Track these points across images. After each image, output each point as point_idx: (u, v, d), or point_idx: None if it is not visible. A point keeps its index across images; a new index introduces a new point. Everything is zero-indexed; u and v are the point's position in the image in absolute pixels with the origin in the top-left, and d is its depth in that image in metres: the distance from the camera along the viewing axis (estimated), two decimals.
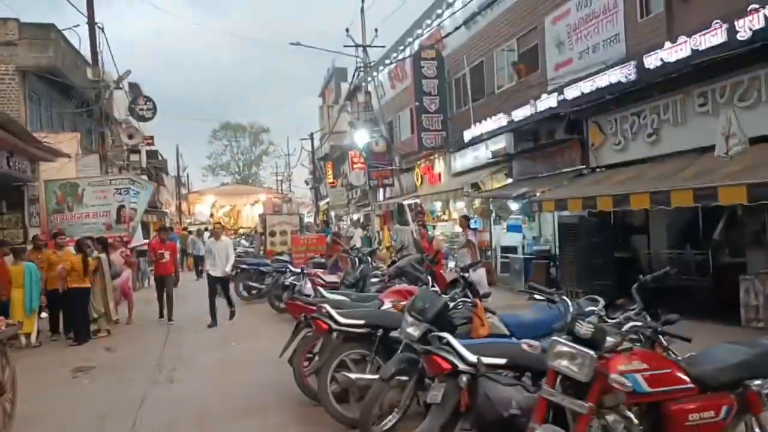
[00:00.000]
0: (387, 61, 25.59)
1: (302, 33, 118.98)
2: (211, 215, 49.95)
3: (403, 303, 5.04)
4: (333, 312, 5.00)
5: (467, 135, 19.23)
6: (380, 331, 4.94)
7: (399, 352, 4.51)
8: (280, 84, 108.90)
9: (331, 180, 34.93)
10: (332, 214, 36.76)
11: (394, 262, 9.09)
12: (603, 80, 12.64)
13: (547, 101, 14.73)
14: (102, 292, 10.82)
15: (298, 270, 11.17)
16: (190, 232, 25.78)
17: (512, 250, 16.08)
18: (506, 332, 4.50)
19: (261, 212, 22.94)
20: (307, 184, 48.97)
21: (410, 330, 4.27)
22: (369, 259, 9.43)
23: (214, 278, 11.69)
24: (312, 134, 41.72)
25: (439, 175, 21.41)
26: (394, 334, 4.85)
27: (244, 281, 13.88)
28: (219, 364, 8.38)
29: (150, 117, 26.02)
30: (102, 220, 16.47)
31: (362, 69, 23.26)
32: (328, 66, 54.24)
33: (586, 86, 13.19)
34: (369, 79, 24.00)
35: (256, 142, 77.39)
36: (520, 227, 16.26)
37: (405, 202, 21.24)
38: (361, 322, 4.98)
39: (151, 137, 28.86)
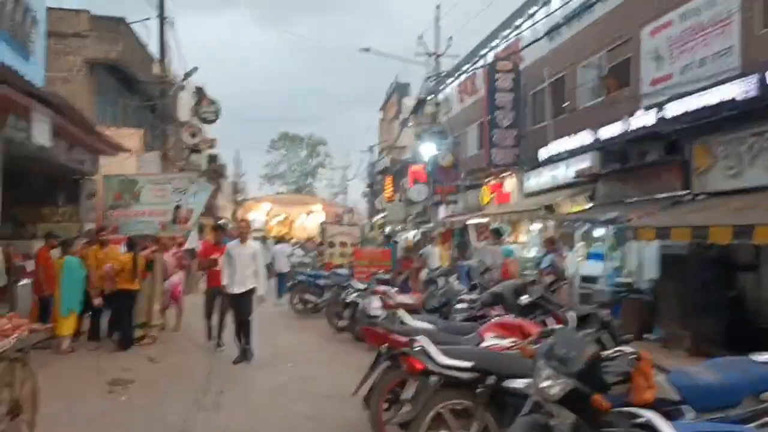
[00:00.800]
0: (458, 73, 24.47)
1: (368, 42, 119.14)
2: (266, 223, 49.73)
3: (528, 345, 3.83)
4: (432, 349, 3.82)
5: (543, 153, 17.88)
6: (492, 379, 3.75)
7: (525, 412, 3.32)
8: (339, 97, 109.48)
9: (390, 194, 33.89)
10: (387, 229, 35.76)
11: (474, 286, 7.89)
12: (714, 96, 11.21)
13: (643, 119, 13.32)
14: (150, 294, 9.98)
15: (363, 286, 10.04)
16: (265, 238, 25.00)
17: (592, 280, 14.58)
18: (676, 398, 3.26)
19: (322, 220, 21.84)
20: (365, 196, 48.16)
21: (547, 385, 3.09)
22: (454, 280, 8.17)
23: (232, 296, 8.84)
24: (371, 147, 40.88)
25: (510, 194, 20.08)
26: (510, 384, 3.68)
27: (300, 294, 12.89)
28: (273, 389, 7.33)
29: (213, 119, 25.80)
30: (158, 219, 15.87)
31: (433, 79, 22.20)
32: (391, 81, 54.25)
33: (693, 103, 11.77)
34: (439, 89, 22.93)
35: (312, 154, 77.82)
36: (603, 256, 14.76)
37: (469, 222, 19.97)
38: (469, 364, 3.78)
39: (213, 140, 28.50)
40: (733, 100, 10.75)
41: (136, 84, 19.48)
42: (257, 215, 54.92)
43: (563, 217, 14.86)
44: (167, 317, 11.31)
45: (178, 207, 16.16)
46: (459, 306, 6.79)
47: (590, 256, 15.09)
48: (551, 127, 18.02)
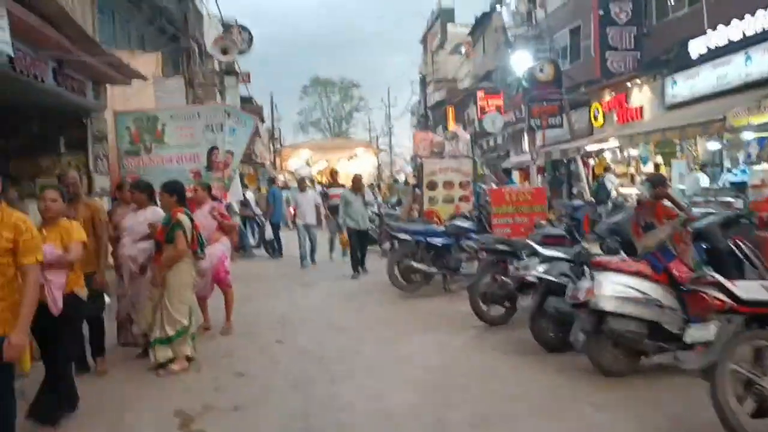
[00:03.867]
0: None
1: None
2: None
3: None
4: None
5: (697, 47, 13.15)
6: None
7: None
8: (368, 45, 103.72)
9: (453, 128, 29.22)
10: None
11: None
12: None
13: None
14: (176, 284, 5.69)
15: (557, 253, 5.46)
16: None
17: None
18: None
19: (413, 155, 16.67)
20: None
21: None
22: None
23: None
24: (424, 77, 35.91)
25: (641, 108, 15.37)
26: None
27: (403, 260, 8.60)
28: None
29: (245, 50, 21.84)
30: (189, 166, 12.03)
31: None
32: (432, 8, 49.69)
33: None
34: None
35: (346, 98, 74.40)
36: None
37: (590, 148, 15.41)
38: None
39: (248, 74, 24.19)
40: None
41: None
42: (296, 163, 50.98)
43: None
44: (206, 315, 7.18)
45: (213, 149, 12.32)
46: None
47: None
48: (706, 8, 13.17)
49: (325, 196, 13.47)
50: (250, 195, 16.38)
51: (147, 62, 14.12)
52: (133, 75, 11.65)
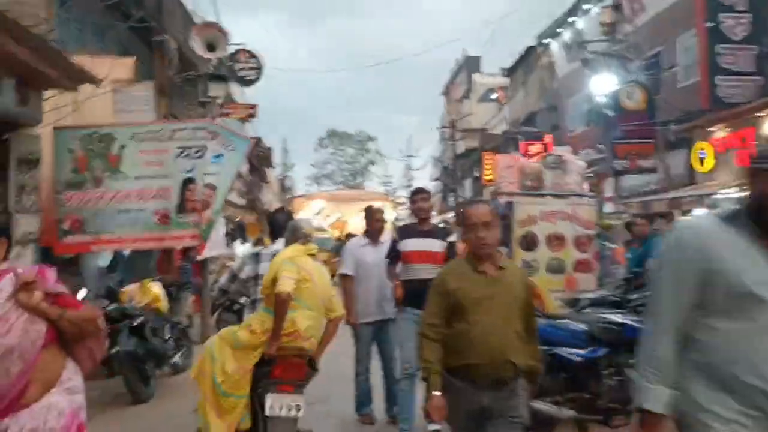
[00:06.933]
0: None
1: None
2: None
3: None
4: None
5: None
6: None
7: None
8: (382, 103, 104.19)
9: (489, 177, 25.17)
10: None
11: None
12: None
13: None
14: None
15: None
16: None
17: None
18: None
19: (492, 191, 11.68)
20: (440, 190, 40.05)
21: None
22: None
23: None
24: (454, 123, 32.31)
25: None
26: None
27: None
28: None
29: (254, 79, 18.88)
30: (153, 206, 8.52)
31: None
32: (456, 57, 48.52)
33: None
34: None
35: (362, 151, 73.57)
36: None
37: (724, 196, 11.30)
38: None
39: (254, 106, 20.53)
40: None
41: None
42: (307, 215, 47.69)
43: None
44: None
45: (188, 181, 8.66)
46: None
47: None
48: None
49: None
50: (243, 249, 12.29)
51: (118, 67, 10.31)
52: (84, 78, 7.88)
